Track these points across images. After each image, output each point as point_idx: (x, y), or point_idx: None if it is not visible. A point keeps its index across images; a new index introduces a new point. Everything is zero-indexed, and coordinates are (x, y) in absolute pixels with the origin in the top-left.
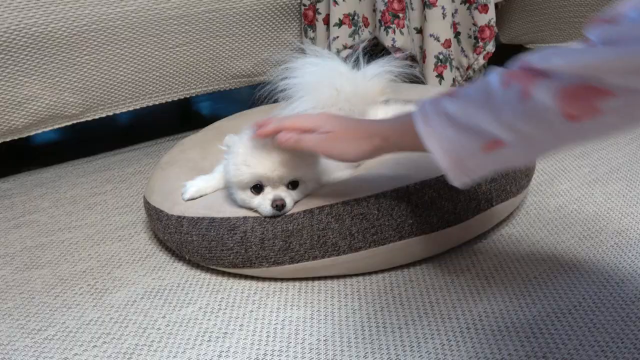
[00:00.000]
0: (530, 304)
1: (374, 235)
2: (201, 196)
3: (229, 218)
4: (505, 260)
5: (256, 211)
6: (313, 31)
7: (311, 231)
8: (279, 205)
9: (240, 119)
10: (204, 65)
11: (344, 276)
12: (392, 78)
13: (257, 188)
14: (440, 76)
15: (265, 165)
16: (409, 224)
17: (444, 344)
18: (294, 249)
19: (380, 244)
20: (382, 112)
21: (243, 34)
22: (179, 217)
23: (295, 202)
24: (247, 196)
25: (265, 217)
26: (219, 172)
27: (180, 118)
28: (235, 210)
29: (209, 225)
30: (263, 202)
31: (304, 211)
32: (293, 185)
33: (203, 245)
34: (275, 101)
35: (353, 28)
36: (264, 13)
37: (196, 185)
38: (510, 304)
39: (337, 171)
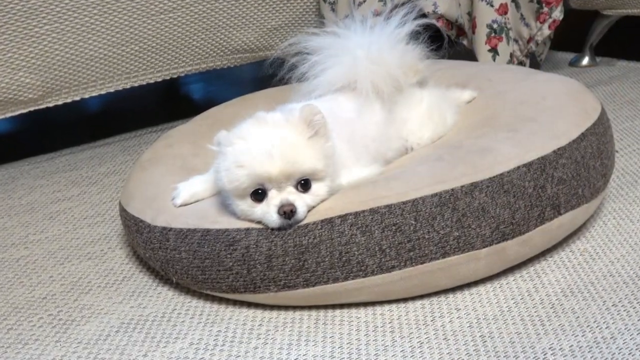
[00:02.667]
0: (609, 339)
1: (410, 251)
2: (197, 201)
3: (227, 230)
4: (576, 284)
5: (261, 223)
6: None
7: (331, 246)
8: (287, 212)
9: (240, 105)
10: (195, 37)
11: (373, 303)
12: (428, 53)
13: (259, 194)
14: (493, 50)
15: (264, 161)
16: (454, 238)
17: None
18: (309, 268)
19: (418, 262)
20: (416, 101)
21: None
22: (165, 228)
23: (310, 209)
24: (247, 206)
25: (272, 229)
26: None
27: (166, 104)
28: (235, 221)
29: (202, 239)
30: (268, 211)
31: (322, 221)
32: (304, 185)
33: (195, 265)
34: (285, 83)
35: None
36: None
37: (191, 188)
38: (583, 339)
39: (360, 167)
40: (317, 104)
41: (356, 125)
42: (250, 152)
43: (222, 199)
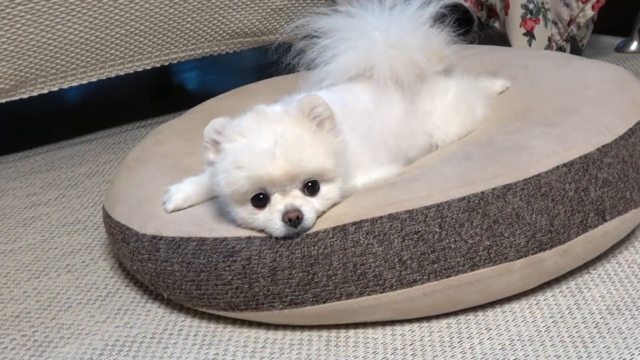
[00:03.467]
0: None
1: (434, 263)
2: (191, 206)
3: (225, 239)
4: (624, 299)
5: (263, 231)
6: None
7: (344, 257)
8: (293, 219)
9: (240, 97)
10: (188, 19)
11: (392, 322)
12: (455, 37)
13: (261, 199)
14: (529, 34)
15: (265, 161)
16: (484, 248)
17: None
18: (319, 282)
19: (443, 275)
20: (442, 91)
21: None
22: (154, 237)
23: (319, 215)
24: (248, 213)
25: (276, 238)
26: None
27: (156, 96)
28: (235, 228)
29: (197, 250)
30: (271, 218)
31: (334, 228)
32: (312, 188)
33: (189, 278)
34: (292, 71)
35: None
36: None
37: (184, 191)
38: None
39: (378, 166)
40: (328, 95)
41: (373, 119)
42: (250, 151)
43: (220, 204)
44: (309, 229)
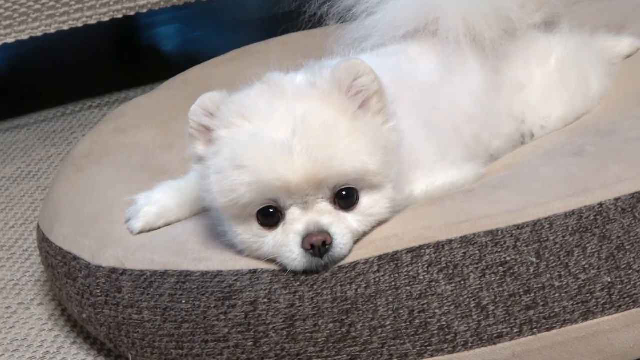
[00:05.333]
0: None
1: (528, 309)
2: (167, 224)
3: (219, 273)
4: None
5: (275, 261)
6: None
7: (395, 300)
8: (318, 244)
9: (241, 62)
10: None
11: None
12: None
13: (271, 214)
14: None
15: (280, 158)
16: (603, 286)
17: None
18: (358, 338)
19: (542, 328)
20: (540, 55)
21: None
22: (114, 271)
23: (358, 238)
24: (252, 234)
25: (294, 271)
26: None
27: (116, 61)
28: (233, 258)
29: (177, 289)
30: (286, 242)
31: (380, 258)
32: (346, 198)
33: (165, 332)
34: (318, 24)
35: None
36: None
37: (158, 203)
38: None
39: (446, 165)
40: (374, 61)
41: (439, 97)
42: (256, 143)
43: (212, 222)
44: (342, 258)
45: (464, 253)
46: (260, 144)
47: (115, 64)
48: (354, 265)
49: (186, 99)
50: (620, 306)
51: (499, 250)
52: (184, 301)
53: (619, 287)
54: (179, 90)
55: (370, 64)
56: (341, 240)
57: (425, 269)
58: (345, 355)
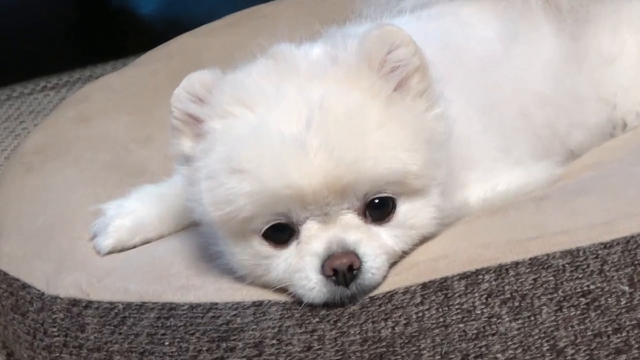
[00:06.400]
0: None
1: (620, 353)
2: (145, 242)
3: (214, 306)
4: None
5: (287, 290)
6: None
7: (443, 340)
8: (343, 270)
9: (234, 32)
10: None
11: None
12: None
13: (282, 229)
14: None
15: (291, 157)
16: None
17: None
18: None
19: None
20: (630, 21)
21: None
22: (77, 303)
23: (395, 260)
24: (256, 255)
25: (312, 304)
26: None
27: (81, 28)
28: (232, 286)
29: (156, 327)
30: (301, 267)
31: (423, 286)
32: (379, 208)
33: None
34: None
35: None
36: None
37: (132, 214)
38: None
39: (510, 164)
40: (414, 26)
41: (501, 73)
42: (259, 139)
43: (203, 240)
44: (374, 287)
45: (534, 280)
46: (265, 140)
47: (77, 33)
48: (390, 295)
49: (169, 78)
50: None
51: (580, 276)
52: (167, 343)
53: None
54: (161, 67)
55: (409, 31)
56: (373, 263)
57: (484, 301)
58: None
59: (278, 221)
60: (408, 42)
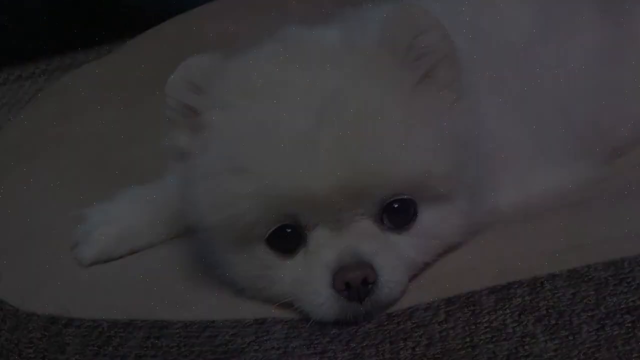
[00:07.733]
0: None
1: None
2: (133, 252)
3: (211, 324)
4: None
5: (293, 305)
6: None
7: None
8: (356, 284)
9: (236, 13)
10: None
11: None
12: None
13: (287, 237)
14: None
15: (297, 158)
16: None
17: None
18: None
19: None
20: None
21: None
22: (54, 320)
23: (416, 272)
24: (258, 263)
25: (321, 321)
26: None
27: (58, 11)
28: (231, 301)
29: (146, 347)
30: (309, 279)
31: (447, 301)
32: (398, 214)
33: None
34: None
35: None
36: None
37: (116, 221)
38: None
39: (547, 164)
40: (435, 7)
41: (537, 62)
42: (265, 135)
43: (199, 249)
44: (392, 303)
45: (573, 294)
46: (270, 136)
47: (55, 15)
48: (411, 312)
49: (161, 67)
50: None
51: (625, 290)
52: None
53: None
54: (151, 53)
55: (435, 13)
56: (390, 276)
57: (516, 318)
58: None
59: (284, 223)
60: (436, 25)
